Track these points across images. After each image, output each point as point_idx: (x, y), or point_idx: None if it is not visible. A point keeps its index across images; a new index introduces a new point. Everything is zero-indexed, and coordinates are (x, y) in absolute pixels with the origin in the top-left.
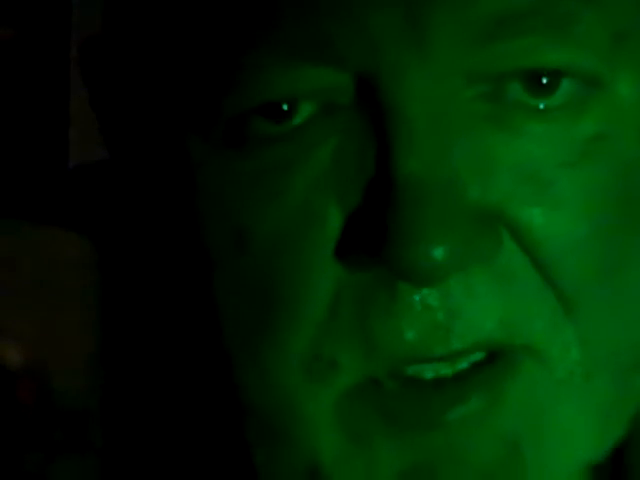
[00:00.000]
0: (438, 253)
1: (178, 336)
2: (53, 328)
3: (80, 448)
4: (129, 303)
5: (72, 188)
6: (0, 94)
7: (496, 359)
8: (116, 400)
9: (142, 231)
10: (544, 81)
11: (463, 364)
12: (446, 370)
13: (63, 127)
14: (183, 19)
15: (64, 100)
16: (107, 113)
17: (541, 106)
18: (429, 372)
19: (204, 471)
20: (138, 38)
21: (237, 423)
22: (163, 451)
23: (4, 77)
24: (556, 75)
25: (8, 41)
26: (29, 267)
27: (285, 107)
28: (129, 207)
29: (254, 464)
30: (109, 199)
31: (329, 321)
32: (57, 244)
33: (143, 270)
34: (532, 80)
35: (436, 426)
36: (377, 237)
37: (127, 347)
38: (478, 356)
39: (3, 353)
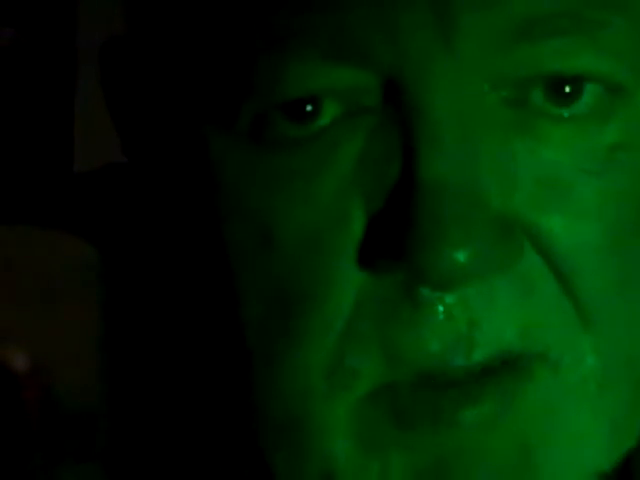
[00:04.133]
0: (460, 256)
1: (184, 338)
2: (57, 332)
3: (85, 452)
4: (134, 305)
5: (77, 192)
6: (5, 99)
7: (510, 366)
8: (121, 403)
9: (150, 229)
10: (567, 90)
11: (477, 369)
12: (459, 372)
13: (68, 132)
14: (206, 16)
15: (69, 105)
16: (125, 113)
17: (565, 114)
18: (442, 378)
19: (211, 475)
20: (160, 36)
21: (249, 427)
22: (170, 454)
23: (9, 82)
24: (579, 82)
25: (13, 46)
26: (33, 270)
27: (309, 108)
28: (137, 208)
29: (268, 469)
30: (114, 203)
31: (351, 329)
32: (61, 247)
33: (149, 271)
34: (555, 88)
35: (448, 425)
36: (399, 240)
37: (133, 350)
38: (495, 363)
39: (7, 357)
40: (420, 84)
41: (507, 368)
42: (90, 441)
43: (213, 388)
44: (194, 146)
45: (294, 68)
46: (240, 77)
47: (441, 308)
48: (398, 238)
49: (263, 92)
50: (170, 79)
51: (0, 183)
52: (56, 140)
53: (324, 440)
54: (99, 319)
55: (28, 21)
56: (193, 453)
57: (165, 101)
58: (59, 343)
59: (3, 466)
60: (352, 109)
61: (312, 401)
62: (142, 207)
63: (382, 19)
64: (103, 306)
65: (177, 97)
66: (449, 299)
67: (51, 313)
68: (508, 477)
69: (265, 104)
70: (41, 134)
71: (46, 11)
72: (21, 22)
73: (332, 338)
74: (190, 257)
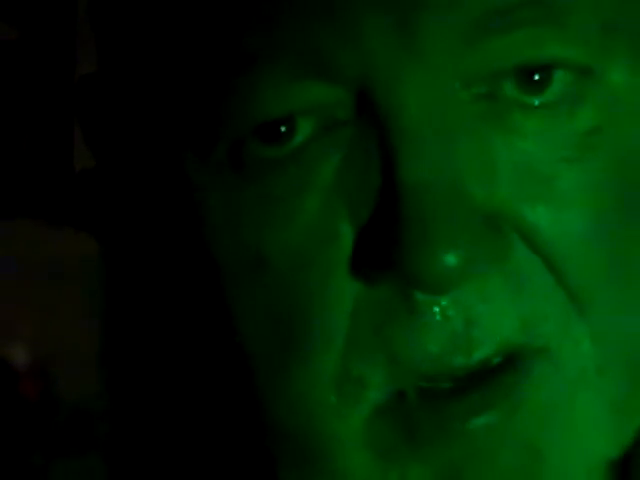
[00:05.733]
0: (449, 259)
1: (184, 337)
2: (57, 327)
3: (83, 446)
4: (134, 303)
5: (78, 189)
6: (6, 98)
7: (511, 364)
8: (120, 400)
9: (148, 235)
10: (536, 77)
11: (478, 368)
12: (461, 372)
13: (68, 129)
14: (176, 43)
15: (69, 103)
16: (103, 146)
17: (536, 102)
18: (447, 383)
19: (210, 473)
20: (132, 71)
21: (256, 438)
22: (168, 451)
23: (9, 80)
24: (548, 69)
25: (13, 43)
26: (34, 267)
27: (283, 129)
28: (135, 210)
29: (273, 477)
30: (115, 202)
31: (352, 340)
32: (62, 244)
33: (148, 271)
34: (524, 77)
35: (458, 436)
36: (388, 248)
37: (132, 347)
38: (495, 361)
39: (8, 352)
40: (390, 91)
41: (509, 368)
42: (89, 436)
43: (217, 397)
44: (175, 177)
45: (264, 91)
46: (212, 106)
47: (436, 309)
48: (387, 246)
49: (236, 118)
50: (145, 113)
51: (1, 181)
52: (56, 137)
53: (340, 454)
54: (100, 317)
55: (28, 20)
56: (190, 448)
57: (142, 134)
58: (59, 339)
59: (3, 460)
60: (327, 124)
61: (325, 416)
62: (134, 209)
63: (345, 32)
64: (104, 304)
65: (154, 130)
66: (444, 300)
67: (51, 309)
68: (518, 477)
69: (239, 130)
70: (41, 132)
71: (46, 10)
72: (22, 21)
73: (335, 351)
74: (186, 272)
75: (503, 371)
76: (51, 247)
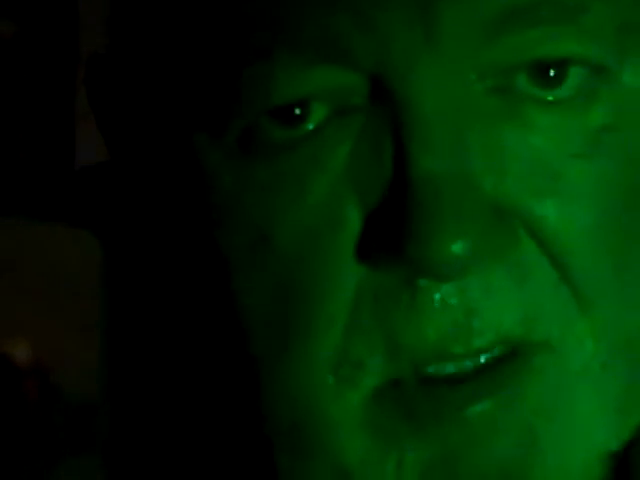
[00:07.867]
0: (457, 247)
1: (185, 334)
2: (60, 325)
3: (85, 446)
4: (136, 300)
5: (79, 186)
6: (7, 94)
7: (513, 355)
8: (122, 398)
9: (151, 230)
10: (551, 73)
11: (482, 359)
12: (467, 364)
13: (70, 126)
14: (190, 26)
15: (70, 100)
16: (114, 126)
17: (550, 98)
18: (450, 367)
19: (211, 471)
20: (145, 51)
21: (253, 426)
22: (169, 450)
23: (10, 76)
24: (563, 66)
25: (14, 39)
26: (35, 264)
27: (297, 111)
28: (136, 207)
29: (271, 467)
30: (117, 198)
31: (353, 322)
32: (63, 242)
33: (150, 268)
34: (539, 72)
35: (454, 422)
36: (396, 235)
37: (134, 345)
38: (497, 351)
39: (10, 350)
40: (406, 81)
41: (508, 359)
42: (90, 433)
43: (216, 387)
44: (186, 157)
45: (280, 75)
46: (227, 89)
47: (438, 297)
48: (395, 233)
49: (251, 102)
50: (157, 93)
51: (2, 179)
52: (57, 135)
53: (337, 436)
54: (101, 313)
55: (29, 17)
56: (192, 451)
57: (154, 115)
58: (61, 336)
59: (4, 456)
60: (340, 109)
61: (321, 398)
62: (138, 212)
63: (364, 19)
64: (105, 300)
65: (166, 111)
66: (445, 288)
67: (53, 306)
68: (515, 466)
69: (254, 112)
70: (42, 130)
71: (47, 7)
72: (22, 18)
73: (336, 332)
74: (188, 260)
75: (503, 361)
76: (52, 246)
